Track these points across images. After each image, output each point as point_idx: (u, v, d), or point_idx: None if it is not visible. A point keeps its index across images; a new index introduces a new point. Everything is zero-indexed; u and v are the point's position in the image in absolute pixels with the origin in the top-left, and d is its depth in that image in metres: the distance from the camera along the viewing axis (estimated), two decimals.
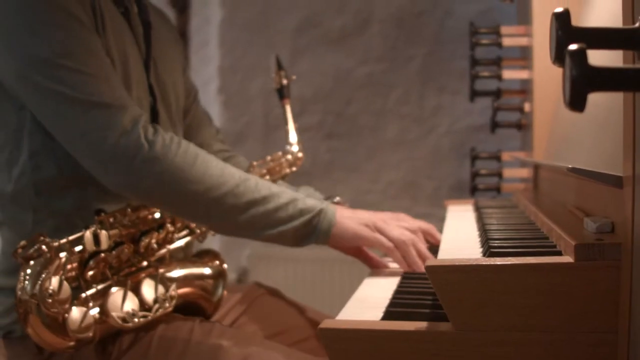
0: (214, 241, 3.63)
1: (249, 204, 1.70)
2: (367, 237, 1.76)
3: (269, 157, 2.09)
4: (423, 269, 1.69)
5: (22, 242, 1.56)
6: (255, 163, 2.06)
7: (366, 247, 1.84)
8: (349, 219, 1.78)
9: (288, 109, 2.11)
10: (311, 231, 1.74)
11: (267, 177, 2.05)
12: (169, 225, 1.79)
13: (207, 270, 1.86)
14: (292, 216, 1.72)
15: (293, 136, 2.13)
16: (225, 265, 1.90)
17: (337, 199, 2.09)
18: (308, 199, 1.77)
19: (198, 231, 1.88)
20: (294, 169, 2.13)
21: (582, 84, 0.71)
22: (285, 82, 2.11)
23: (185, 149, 1.69)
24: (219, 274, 1.88)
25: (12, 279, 1.71)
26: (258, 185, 1.73)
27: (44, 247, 1.54)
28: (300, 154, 2.13)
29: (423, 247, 1.77)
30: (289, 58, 3.91)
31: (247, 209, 1.70)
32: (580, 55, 0.71)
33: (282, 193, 1.74)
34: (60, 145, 1.70)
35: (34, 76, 1.62)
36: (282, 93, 2.10)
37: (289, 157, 2.13)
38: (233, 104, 3.97)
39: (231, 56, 3.98)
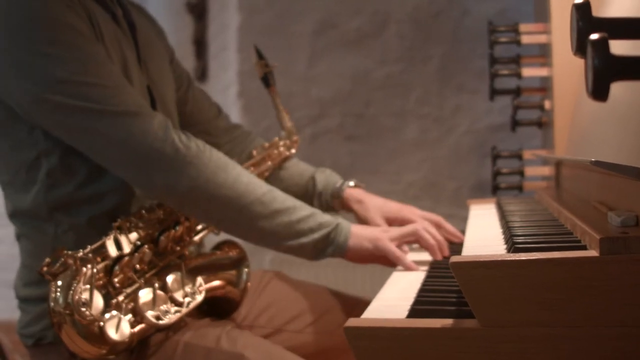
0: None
1: (274, 213, 1.74)
2: (380, 247, 1.80)
3: (266, 144, 2.14)
4: (439, 254, 1.81)
5: (47, 260, 1.57)
6: (254, 152, 2.08)
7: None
8: (364, 230, 1.84)
9: (276, 96, 2.14)
10: (329, 244, 1.79)
11: (269, 162, 2.11)
12: (184, 222, 1.80)
13: (228, 260, 1.88)
14: (312, 229, 1.77)
15: (286, 121, 2.16)
16: (245, 254, 1.93)
17: (352, 183, 2.14)
18: (325, 214, 1.82)
19: None
20: (292, 151, 2.18)
21: (604, 73, 0.71)
22: (268, 70, 2.12)
23: (217, 155, 1.73)
24: (241, 261, 1.90)
25: (37, 289, 1.73)
26: (282, 196, 1.78)
27: (69, 260, 1.55)
28: (295, 137, 2.17)
29: (433, 230, 1.87)
30: (307, 61, 3.92)
31: (272, 217, 1.74)
32: (602, 44, 0.71)
33: (303, 206, 1.80)
34: (78, 163, 1.73)
35: (54, 97, 1.63)
36: (267, 82, 2.14)
37: (287, 141, 2.17)
38: (253, 108, 3.98)
39: (250, 60, 3.97)
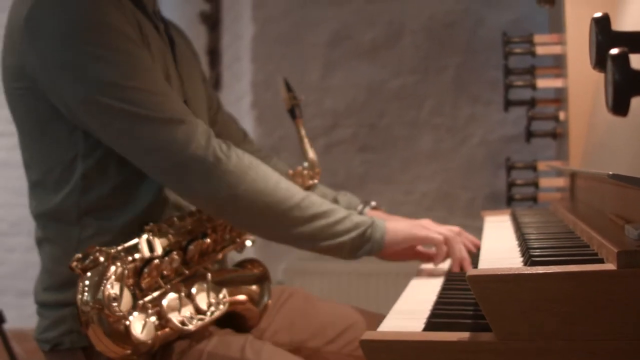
0: (248, 254, 3.63)
1: (313, 217, 1.77)
2: (418, 234, 1.86)
3: (291, 171, 2.16)
4: (469, 265, 1.82)
5: (77, 255, 1.58)
6: None
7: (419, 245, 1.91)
8: (398, 222, 1.90)
9: (301, 128, 2.15)
10: (366, 241, 1.81)
11: None
12: (212, 234, 1.83)
13: (252, 277, 1.90)
14: (349, 229, 1.80)
15: (309, 152, 2.17)
16: (268, 273, 1.94)
17: (374, 203, 2.20)
18: (359, 215, 1.86)
19: (238, 240, 1.94)
20: (315, 181, 2.19)
21: (624, 88, 0.71)
22: (295, 102, 2.14)
23: (257, 163, 1.77)
24: (264, 279, 1.91)
25: (56, 294, 1.74)
26: (319, 200, 1.82)
27: (100, 256, 1.57)
28: (317, 169, 2.19)
29: (469, 243, 1.91)
30: (321, 71, 3.93)
31: (310, 221, 1.77)
32: (623, 59, 0.71)
33: (339, 208, 1.83)
34: (113, 168, 1.75)
35: (102, 99, 1.64)
36: (294, 114, 2.15)
37: (310, 171, 2.18)
38: (266, 118, 3.98)
39: (264, 71, 3.99)
